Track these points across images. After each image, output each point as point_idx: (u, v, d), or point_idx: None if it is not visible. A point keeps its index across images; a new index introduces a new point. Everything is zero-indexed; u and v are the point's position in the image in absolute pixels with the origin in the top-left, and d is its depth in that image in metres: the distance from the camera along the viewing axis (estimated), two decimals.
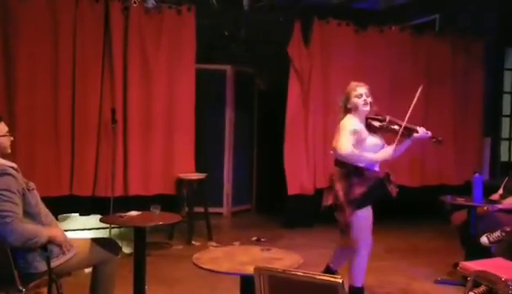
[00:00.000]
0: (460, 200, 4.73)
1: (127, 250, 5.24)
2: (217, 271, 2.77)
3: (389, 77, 7.31)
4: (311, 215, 7.02)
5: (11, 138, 3.17)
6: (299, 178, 6.88)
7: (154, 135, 6.22)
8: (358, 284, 3.90)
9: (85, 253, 3.21)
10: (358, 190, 3.73)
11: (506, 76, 8.08)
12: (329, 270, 4.10)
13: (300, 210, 6.95)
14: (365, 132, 3.80)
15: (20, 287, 2.87)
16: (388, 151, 3.82)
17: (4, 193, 2.85)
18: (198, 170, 6.35)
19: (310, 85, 6.92)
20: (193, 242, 6.02)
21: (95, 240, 3.38)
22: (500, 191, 5.10)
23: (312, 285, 2.05)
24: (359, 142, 3.75)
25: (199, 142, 6.45)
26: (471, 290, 3.38)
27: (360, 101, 3.82)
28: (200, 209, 6.24)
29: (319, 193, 6.98)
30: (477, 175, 4.68)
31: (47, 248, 2.95)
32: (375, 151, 3.83)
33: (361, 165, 3.75)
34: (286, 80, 6.91)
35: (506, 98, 8.09)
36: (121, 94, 6.04)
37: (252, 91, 8.29)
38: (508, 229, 4.25)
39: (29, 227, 2.92)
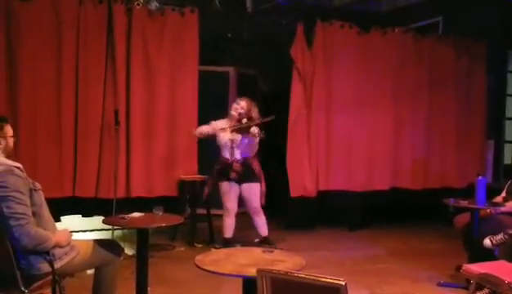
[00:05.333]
0: (463, 203, 4.73)
1: (129, 251, 5.24)
2: (219, 273, 2.76)
3: (392, 79, 7.31)
4: (313, 217, 7.02)
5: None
6: (302, 180, 6.86)
7: (156, 136, 6.22)
8: (224, 235, 5.75)
9: (88, 254, 3.21)
10: (215, 168, 5.74)
11: (509, 78, 8.06)
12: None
13: (303, 212, 6.94)
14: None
15: (23, 288, 2.87)
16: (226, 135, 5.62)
17: (16, 194, 2.85)
18: (200, 171, 6.35)
19: (313, 87, 6.92)
20: (195, 244, 6.02)
21: (97, 241, 3.38)
22: (504, 194, 5.09)
23: (314, 287, 2.05)
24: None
25: (201, 144, 6.45)
26: (474, 293, 3.38)
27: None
28: (203, 211, 6.24)
29: (322, 195, 7.00)
30: (480, 177, 4.68)
31: (49, 252, 2.95)
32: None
33: (222, 154, 5.65)
34: (289, 82, 6.90)
35: (509, 100, 8.07)
36: (124, 95, 6.03)
37: (255, 93, 8.25)
38: (511, 232, 4.24)
39: (41, 231, 2.92)
